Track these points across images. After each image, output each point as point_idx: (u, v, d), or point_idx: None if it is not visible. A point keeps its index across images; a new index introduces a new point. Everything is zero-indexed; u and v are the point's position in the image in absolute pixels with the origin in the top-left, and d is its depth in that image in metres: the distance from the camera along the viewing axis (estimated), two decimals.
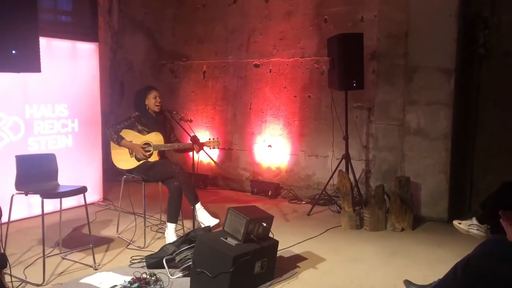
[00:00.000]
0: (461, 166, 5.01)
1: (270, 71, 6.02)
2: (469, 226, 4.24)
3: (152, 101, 4.33)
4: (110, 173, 5.33)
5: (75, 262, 3.65)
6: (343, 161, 5.02)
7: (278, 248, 3.49)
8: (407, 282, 3.09)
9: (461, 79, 4.82)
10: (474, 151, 5.05)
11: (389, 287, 3.25)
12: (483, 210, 4.20)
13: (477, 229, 4.18)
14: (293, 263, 3.68)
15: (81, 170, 5.23)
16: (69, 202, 4.67)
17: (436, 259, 3.73)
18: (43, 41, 2.72)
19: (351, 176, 4.87)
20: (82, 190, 3.63)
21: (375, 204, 4.56)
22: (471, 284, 1.97)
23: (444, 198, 4.81)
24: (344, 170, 4.89)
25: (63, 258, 3.72)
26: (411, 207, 4.56)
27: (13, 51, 2.42)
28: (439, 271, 2.17)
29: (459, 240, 4.13)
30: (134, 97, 4.48)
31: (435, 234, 4.44)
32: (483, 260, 2.10)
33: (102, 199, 5.56)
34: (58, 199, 3.84)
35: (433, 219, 4.81)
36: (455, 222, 4.36)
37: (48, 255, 3.68)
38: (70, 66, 5.16)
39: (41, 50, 2.77)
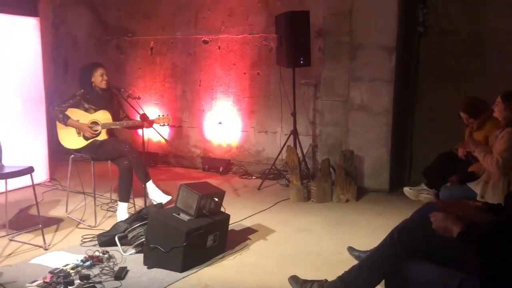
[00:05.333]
0: (401, 139, 5.30)
1: (219, 48, 6.02)
2: (419, 191, 4.56)
3: (99, 79, 4.24)
4: (57, 152, 5.20)
5: (24, 243, 3.59)
6: (291, 136, 5.17)
7: (230, 222, 3.59)
8: (350, 249, 3.30)
9: (401, 57, 5.05)
10: (413, 125, 5.34)
11: (334, 254, 3.46)
12: (427, 178, 4.52)
13: (426, 193, 4.50)
14: (245, 235, 3.81)
15: (26, 150, 5.06)
16: (14, 183, 4.53)
17: (377, 226, 3.98)
18: None
19: (299, 151, 5.04)
20: (28, 170, 3.56)
21: (322, 177, 4.76)
22: (406, 246, 2.15)
23: (385, 170, 5.09)
24: (292, 145, 5.04)
25: (11, 240, 3.64)
26: (355, 179, 4.80)
27: None
28: (380, 238, 2.34)
29: (399, 209, 4.41)
30: (79, 74, 4.37)
31: (377, 204, 4.71)
32: (418, 224, 2.30)
33: (49, 179, 5.43)
34: (3, 180, 3.72)
35: (376, 190, 5.09)
36: (406, 188, 4.65)
37: None
38: (9, 42, 4.92)
39: None
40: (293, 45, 4.84)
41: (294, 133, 5.15)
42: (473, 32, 4.89)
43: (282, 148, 5.27)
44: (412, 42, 5.18)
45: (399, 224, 2.27)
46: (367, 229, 3.97)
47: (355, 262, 2.72)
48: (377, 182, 5.11)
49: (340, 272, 2.48)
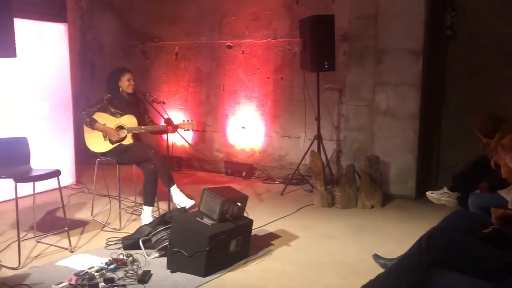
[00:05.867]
0: (428, 145, 5.19)
1: (243, 53, 6.03)
2: (440, 194, 4.44)
3: (126, 83, 4.30)
4: (83, 156, 5.29)
5: (51, 245, 3.66)
6: (315, 141, 5.12)
7: (253, 227, 3.58)
8: (376, 256, 3.23)
9: (428, 61, 4.96)
10: (441, 131, 5.22)
11: (359, 261, 3.40)
12: (454, 182, 4.39)
13: (448, 196, 4.37)
14: (268, 240, 3.78)
15: (53, 153, 5.17)
16: (41, 186, 4.62)
17: (403, 234, 3.89)
18: None
19: (323, 156, 4.99)
20: (55, 173, 3.62)
21: (346, 183, 4.70)
22: (434, 254, 2.09)
23: (411, 176, 4.99)
24: (316, 150, 5.00)
25: (38, 242, 3.72)
26: (380, 185, 4.72)
27: None
28: (406, 246, 2.29)
29: (426, 216, 4.31)
30: (107, 78, 4.43)
31: (403, 210, 4.62)
32: (446, 232, 2.24)
33: (75, 182, 5.52)
34: (31, 183, 3.80)
35: (401, 196, 4.99)
36: (428, 193, 4.52)
37: (23, 238, 3.66)
38: (38, 47, 5.04)
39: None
40: (318, 49, 4.81)
41: (318, 138, 5.11)
42: (503, 35, 4.75)
43: (305, 153, 5.23)
44: (439, 46, 5.07)
45: (427, 231, 2.21)
46: (393, 236, 3.89)
47: (381, 270, 2.67)
48: (403, 188, 5.01)
49: (365, 280, 2.43)
